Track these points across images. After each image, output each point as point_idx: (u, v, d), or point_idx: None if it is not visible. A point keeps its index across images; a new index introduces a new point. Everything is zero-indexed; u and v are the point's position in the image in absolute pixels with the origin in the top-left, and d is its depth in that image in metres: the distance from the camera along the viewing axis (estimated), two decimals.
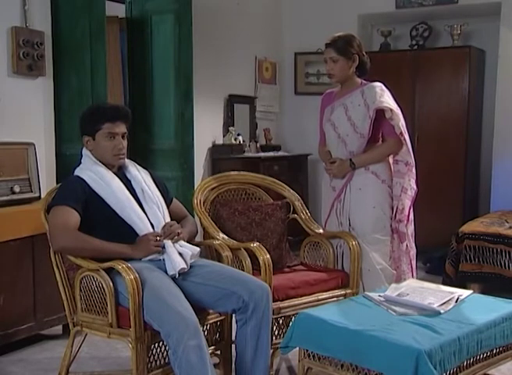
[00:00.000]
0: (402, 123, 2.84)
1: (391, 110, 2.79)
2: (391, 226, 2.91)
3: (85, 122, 2.41)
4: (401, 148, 2.88)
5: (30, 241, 2.88)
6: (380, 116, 2.83)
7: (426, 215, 5.03)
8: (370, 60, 2.97)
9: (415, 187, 2.91)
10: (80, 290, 2.31)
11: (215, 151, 4.86)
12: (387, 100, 2.82)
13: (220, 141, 4.96)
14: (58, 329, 3.12)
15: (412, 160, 2.89)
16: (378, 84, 2.89)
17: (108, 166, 2.40)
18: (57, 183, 3.26)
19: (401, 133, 2.83)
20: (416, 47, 5.30)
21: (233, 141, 4.89)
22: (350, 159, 2.86)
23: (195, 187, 3.19)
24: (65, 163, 3.39)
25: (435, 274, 4.23)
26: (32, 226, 2.79)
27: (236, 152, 4.86)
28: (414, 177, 2.91)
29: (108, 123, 2.35)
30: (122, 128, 2.39)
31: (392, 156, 2.95)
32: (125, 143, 2.42)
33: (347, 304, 2.33)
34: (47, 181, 3.31)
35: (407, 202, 2.88)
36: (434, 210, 5.03)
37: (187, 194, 3.67)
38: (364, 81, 2.93)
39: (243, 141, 4.99)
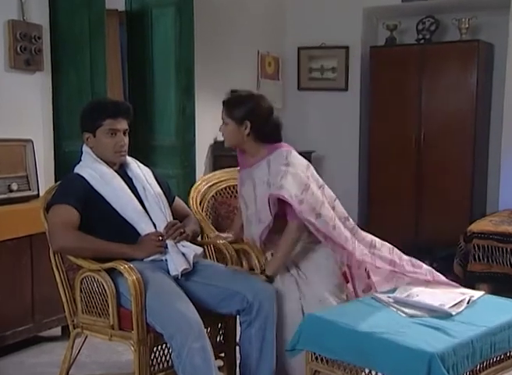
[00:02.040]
0: (306, 206, 2.22)
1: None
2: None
3: (85, 118, 2.38)
4: (303, 232, 2.32)
5: (29, 240, 2.85)
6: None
7: (432, 214, 5.01)
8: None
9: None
10: (81, 291, 2.28)
11: (217, 148, 4.79)
12: (288, 184, 2.22)
13: (222, 138, 4.88)
14: (56, 331, 3.09)
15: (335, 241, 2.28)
16: (283, 155, 2.31)
17: (109, 164, 2.37)
18: (56, 180, 3.24)
19: (305, 218, 2.22)
20: (422, 41, 5.23)
21: None
22: (266, 275, 2.29)
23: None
24: (64, 160, 3.38)
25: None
26: (30, 225, 2.76)
27: None
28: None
29: (110, 119, 2.32)
30: (123, 124, 2.36)
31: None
32: (126, 140, 2.38)
33: (355, 305, 2.27)
34: (45, 179, 3.29)
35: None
36: (440, 209, 4.98)
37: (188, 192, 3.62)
38: (272, 146, 2.38)
39: None
